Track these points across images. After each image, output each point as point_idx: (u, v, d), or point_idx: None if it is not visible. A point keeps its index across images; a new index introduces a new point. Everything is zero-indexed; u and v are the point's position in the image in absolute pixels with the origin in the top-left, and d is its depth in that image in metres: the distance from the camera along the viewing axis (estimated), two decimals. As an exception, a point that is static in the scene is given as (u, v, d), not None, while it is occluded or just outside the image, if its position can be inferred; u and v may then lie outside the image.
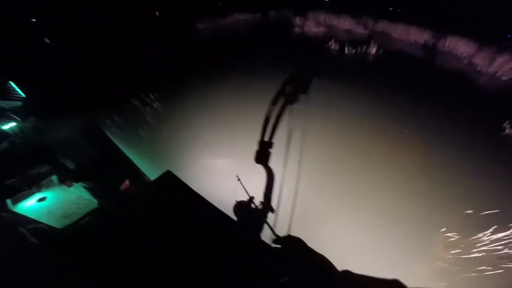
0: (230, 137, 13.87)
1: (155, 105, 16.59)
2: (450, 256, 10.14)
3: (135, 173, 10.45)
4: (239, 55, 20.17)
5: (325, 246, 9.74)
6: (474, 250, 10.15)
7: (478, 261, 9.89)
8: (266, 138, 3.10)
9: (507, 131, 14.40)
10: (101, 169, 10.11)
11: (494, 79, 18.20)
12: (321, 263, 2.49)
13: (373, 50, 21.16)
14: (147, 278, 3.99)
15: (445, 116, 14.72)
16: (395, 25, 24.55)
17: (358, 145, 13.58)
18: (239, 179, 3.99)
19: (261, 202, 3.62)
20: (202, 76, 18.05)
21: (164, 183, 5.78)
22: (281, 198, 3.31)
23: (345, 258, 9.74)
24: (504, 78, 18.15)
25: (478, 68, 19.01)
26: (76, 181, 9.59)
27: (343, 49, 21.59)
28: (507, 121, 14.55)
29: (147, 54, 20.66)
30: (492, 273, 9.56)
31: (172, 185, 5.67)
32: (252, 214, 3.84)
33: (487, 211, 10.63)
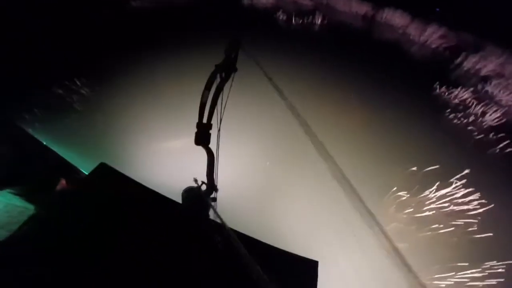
0: (170, 118, 12.15)
1: (83, 91, 13.64)
2: (405, 216, 10.34)
3: (69, 170, 8.68)
4: (182, 29, 18.01)
5: (282, 216, 8.95)
6: (425, 209, 10.49)
7: (430, 219, 10.26)
8: (204, 120, 3.19)
9: (437, 91, 15.74)
10: (29, 171, 8.03)
11: (425, 47, 19.79)
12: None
13: (318, 20, 21.01)
14: (100, 277, 3.99)
15: (383, 81, 15.28)
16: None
17: (307, 113, 13.24)
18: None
19: (203, 182, 3.85)
20: (135, 55, 15.35)
21: (100, 176, 5.81)
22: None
23: (302, 230, 9.34)
24: (433, 46, 19.85)
25: (411, 37, 20.42)
26: (2, 189, 7.44)
27: (290, 20, 20.99)
28: (437, 82, 15.89)
29: (69, 33, 16.77)
30: (444, 231, 10.01)
31: (109, 177, 5.78)
32: (196, 196, 3.95)
33: (429, 167, 11.12)
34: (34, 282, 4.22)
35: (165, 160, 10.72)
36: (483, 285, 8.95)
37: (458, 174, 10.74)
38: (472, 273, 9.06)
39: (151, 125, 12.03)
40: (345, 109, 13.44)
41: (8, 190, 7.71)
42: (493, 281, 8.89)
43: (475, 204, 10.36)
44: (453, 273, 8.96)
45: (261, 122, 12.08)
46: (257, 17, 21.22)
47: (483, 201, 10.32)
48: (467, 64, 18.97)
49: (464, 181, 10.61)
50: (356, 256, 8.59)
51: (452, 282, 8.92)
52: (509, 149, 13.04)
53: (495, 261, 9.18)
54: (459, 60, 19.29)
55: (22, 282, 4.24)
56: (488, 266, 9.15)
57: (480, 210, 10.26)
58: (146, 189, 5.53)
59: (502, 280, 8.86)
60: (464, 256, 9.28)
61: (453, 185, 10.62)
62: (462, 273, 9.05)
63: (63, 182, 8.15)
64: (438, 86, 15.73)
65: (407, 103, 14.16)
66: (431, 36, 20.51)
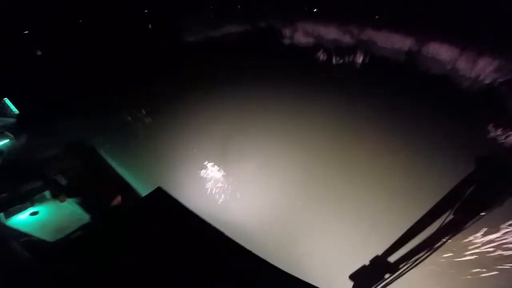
0: (222, 149, 14.17)
1: (146, 120, 16.81)
2: (443, 260, 10.07)
3: (127, 189, 10.57)
4: (230, 67, 20.81)
5: (316, 252, 9.78)
6: (467, 253, 10.16)
7: (472, 263, 9.92)
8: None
9: (491, 134, 14.93)
10: (94, 185, 10.22)
11: (477, 82, 18.97)
12: None
13: (359, 58, 21.93)
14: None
15: (429, 121, 15.23)
16: (379, 33, 25.56)
17: (349, 155, 13.77)
18: None
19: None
20: (193, 89, 18.44)
21: (155, 199, 6.01)
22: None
23: (335, 266, 9.69)
24: (487, 81, 18.95)
25: (461, 73, 19.82)
26: (70, 197, 9.67)
27: (331, 58, 22.34)
28: (491, 124, 15.10)
29: (138, 68, 21.06)
30: (487, 275, 9.59)
31: (163, 202, 5.84)
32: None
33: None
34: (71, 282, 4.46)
35: (214, 188, 12.20)
36: None
37: (509, 220, 10.19)
38: None
39: (202, 155, 14.10)
40: (386, 151, 13.58)
41: (74, 199, 9.74)
42: None
43: None
44: None
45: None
46: (297, 58, 23.14)
47: None
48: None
49: None
50: None
51: None
52: None
53: None
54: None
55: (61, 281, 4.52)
56: None
57: None
58: (198, 219, 5.70)
59: None
60: None
61: (503, 231, 10.15)
62: None
63: (119, 199, 9.78)
64: (493, 128, 14.92)
65: (455, 143, 13.72)
66: (483, 70, 19.61)
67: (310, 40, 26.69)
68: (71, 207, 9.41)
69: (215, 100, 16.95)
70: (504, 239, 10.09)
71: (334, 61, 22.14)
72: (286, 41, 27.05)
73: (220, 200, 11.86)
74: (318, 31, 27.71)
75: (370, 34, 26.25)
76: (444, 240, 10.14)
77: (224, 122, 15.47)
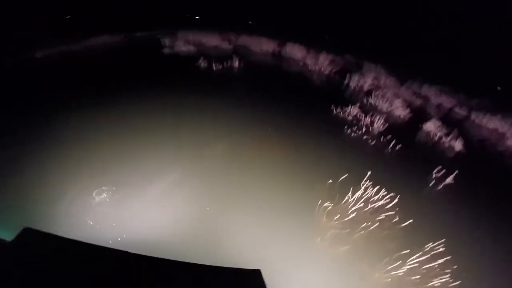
0: (95, 168, 12.43)
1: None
2: (337, 223, 11.53)
3: None
4: (101, 82, 18.81)
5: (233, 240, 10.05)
6: (349, 212, 11.81)
7: (358, 220, 11.56)
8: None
9: (334, 112, 19.83)
10: None
11: (321, 74, 24.59)
12: None
13: (235, 63, 24.29)
14: None
15: (294, 111, 18.72)
16: (251, 38, 29.04)
17: (234, 151, 14.92)
18: None
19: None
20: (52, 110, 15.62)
21: (26, 242, 5.12)
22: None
23: (251, 254, 9.62)
24: (326, 72, 24.88)
25: (309, 68, 25.23)
26: None
27: (211, 65, 23.68)
28: (332, 104, 20.07)
29: None
30: (373, 227, 11.30)
31: (37, 241, 5.13)
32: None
33: (341, 177, 13.02)
34: None
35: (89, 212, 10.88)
36: (436, 266, 10.17)
37: (364, 177, 12.97)
38: (418, 257, 10.24)
39: (68, 177, 11.81)
40: (267, 143, 15.70)
41: None
42: (441, 261, 10.18)
43: (386, 198, 12.29)
44: (401, 261, 10.15)
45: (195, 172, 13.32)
46: (180, 65, 23.33)
47: (391, 194, 12.41)
48: (352, 84, 24.47)
49: (371, 182, 12.75)
50: (308, 266, 9.80)
51: (405, 270, 10.03)
52: (398, 147, 16.81)
53: (431, 243, 10.66)
54: (346, 81, 24.77)
55: None
56: (428, 248, 10.53)
57: (392, 203, 12.21)
58: (84, 246, 5.32)
59: (449, 257, 10.26)
60: (402, 245, 10.65)
61: (363, 187, 12.62)
62: (409, 260, 10.20)
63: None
64: (333, 108, 19.85)
65: (315, 127, 17.50)
66: (323, 63, 25.77)
67: (191, 48, 27.28)
68: None
69: (86, 124, 14.64)
70: (367, 194, 12.36)
71: (214, 67, 23.56)
72: (167, 51, 26.61)
73: (109, 221, 10.48)
74: (200, 39, 28.67)
75: (245, 39, 29.41)
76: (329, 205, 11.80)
77: (105, 147, 13.71)
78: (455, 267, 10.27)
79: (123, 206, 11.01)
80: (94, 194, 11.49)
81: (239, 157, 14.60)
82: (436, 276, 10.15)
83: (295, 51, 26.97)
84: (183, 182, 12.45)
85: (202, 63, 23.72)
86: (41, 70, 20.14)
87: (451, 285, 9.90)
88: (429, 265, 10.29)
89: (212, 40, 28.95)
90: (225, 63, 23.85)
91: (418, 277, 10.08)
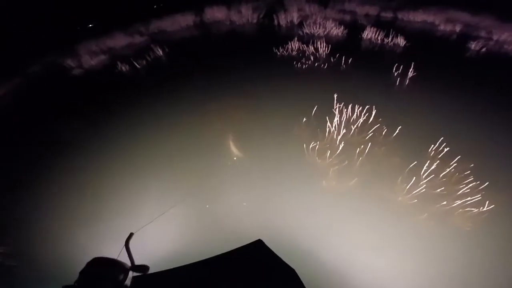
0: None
1: None
2: (331, 159, 10.80)
3: None
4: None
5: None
6: (338, 143, 11.17)
7: (350, 148, 11.02)
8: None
9: (278, 54, 19.01)
10: None
11: (251, 24, 22.75)
12: None
13: (158, 52, 21.50)
14: None
15: (239, 70, 17.45)
16: (164, 20, 25.93)
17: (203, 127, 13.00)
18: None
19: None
20: None
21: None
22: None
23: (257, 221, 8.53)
24: (254, 20, 23.27)
25: (238, 23, 23.26)
26: None
27: (134, 66, 20.58)
28: (274, 47, 19.08)
29: None
30: (368, 148, 10.80)
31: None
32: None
33: (308, 114, 12.37)
34: None
35: None
36: (452, 170, 9.82)
37: (333, 102, 12.67)
38: (428, 167, 9.64)
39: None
40: (229, 110, 13.93)
41: None
42: (453, 163, 9.82)
43: (364, 113, 12.12)
44: (415, 178, 9.52)
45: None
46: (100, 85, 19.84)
47: (367, 107, 12.15)
48: (282, 22, 23.70)
49: (341, 103, 12.48)
50: (325, 212, 9.16)
51: (425, 184, 9.52)
52: (349, 61, 17.06)
53: (432, 145, 10.39)
54: (276, 22, 23.82)
55: None
56: (432, 152, 10.31)
57: (372, 115, 12.06)
58: None
59: (459, 156, 9.87)
60: (406, 157, 10.27)
61: (337, 111, 12.29)
62: (423, 173, 9.70)
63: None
64: (276, 51, 19.03)
65: (266, 74, 16.46)
66: (247, 13, 24.34)
67: (102, 58, 23.36)
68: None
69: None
70: (343, 117, 11.75)
71: (139, 66, 20.55)
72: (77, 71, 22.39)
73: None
74: (106, 45, 24.56)
75: (157, 25, 26.02)
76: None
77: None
78: (471, 165, 9.79)
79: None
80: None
81: (208, 134, 12.68)
82: (459, 181, 9.62)
83: (216, 14, 24.77)
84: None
85: (123, 68, 20.43)
86: None
87: (479, 186, 9.34)
88: (445, 172, 9.79)
89: (120, 41, 25.06)
90: (147, 57, 20.93)
91: (442, 188, 9.51)
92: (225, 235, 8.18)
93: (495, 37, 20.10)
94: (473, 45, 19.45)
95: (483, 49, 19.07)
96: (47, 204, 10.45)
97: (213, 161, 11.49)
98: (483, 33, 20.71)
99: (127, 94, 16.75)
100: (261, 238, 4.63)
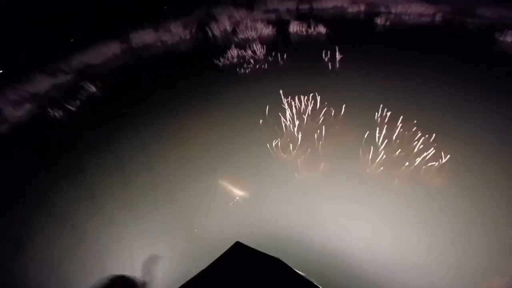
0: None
1: None
2: (295, 151, 10.65)
3: None
4: None
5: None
6: (296, 136, 10.93)
7: (308, 136, 11.03)
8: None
9: (220, 65, 19.31)
10: None
11: (184, 41, 22.57)
12: None
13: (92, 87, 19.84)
14: None
15: (185, 88, 17.27)
16: (90, 53, 23.89)
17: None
18: None
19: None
20: None
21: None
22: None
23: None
24: (188, 37, 23.12)
25: (169, 43, 22.85)
26: None
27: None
28: (214, 59, 19.37)
29: None
30: (324, 132, 10.92)
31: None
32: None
33: (262, 114, 12.75)
34: None
35: None
36: (411, 134, 10.27)
37: (281, 97, 13.32)
38: (385, 135, 10.17)
39: None
40: (188, 131, 13.59)
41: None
42: (406, 126, 10.42)
43: (310, 100, 12.91)
44: (372, 147, 10.07)
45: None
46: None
47: (311, 94, 12.95)
48: (216, 32, 24.09)
49: (288, 97, 13.18)
50: (304, 202, 9.41)
51: (385, 151, 9.90)
52: (285, 56, 18.16)
53: (377, 112, 11.38)
54: (209, 33, 24.18)
55: None
56: (379, 119, 11.05)
57: (319, 99, 12.87)
58: None
59: (411, 119, 10.52)
60: (361, 130, 10.82)
61: (287, 105, 12.97)
62: (379, 141, 10.18)
63: None
64: (217, 62, 19.34)
65: (214, 87, 16.59)
66: (178, 31, 24.16)
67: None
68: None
69: None
70: (293, 109, 12.35)
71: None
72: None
73: None
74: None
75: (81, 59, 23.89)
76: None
77: None
78: (415, 121, 10.55)
79: None
80: None
81: (169, 166, 11.65)
82: (410, 140, 10.14)
83: (144, 38, 23.87)
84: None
85: (56, 114, 18.28)
86: None
87: (429, 139, 9.81)
88: (396, 134, 10.35)
89: (42, 84, 22.32)
90: (80, 96, 18.98)
91: (399, 150, 9.99)
92: (205, 247, 7.70)
93: (393, 11, 23.77)
94: (378, 20, 22.60)
95: (387, 23, 22.36)
96: None
97: (186, 187, 10.98)
98: (382, 9, 24.37)
99: (68, 143, 15.01)
100: (242, 240, 4.68)
